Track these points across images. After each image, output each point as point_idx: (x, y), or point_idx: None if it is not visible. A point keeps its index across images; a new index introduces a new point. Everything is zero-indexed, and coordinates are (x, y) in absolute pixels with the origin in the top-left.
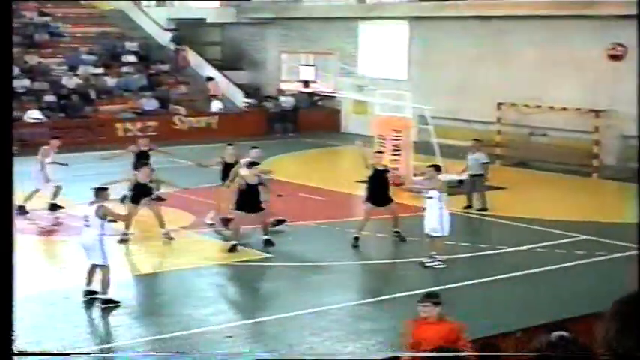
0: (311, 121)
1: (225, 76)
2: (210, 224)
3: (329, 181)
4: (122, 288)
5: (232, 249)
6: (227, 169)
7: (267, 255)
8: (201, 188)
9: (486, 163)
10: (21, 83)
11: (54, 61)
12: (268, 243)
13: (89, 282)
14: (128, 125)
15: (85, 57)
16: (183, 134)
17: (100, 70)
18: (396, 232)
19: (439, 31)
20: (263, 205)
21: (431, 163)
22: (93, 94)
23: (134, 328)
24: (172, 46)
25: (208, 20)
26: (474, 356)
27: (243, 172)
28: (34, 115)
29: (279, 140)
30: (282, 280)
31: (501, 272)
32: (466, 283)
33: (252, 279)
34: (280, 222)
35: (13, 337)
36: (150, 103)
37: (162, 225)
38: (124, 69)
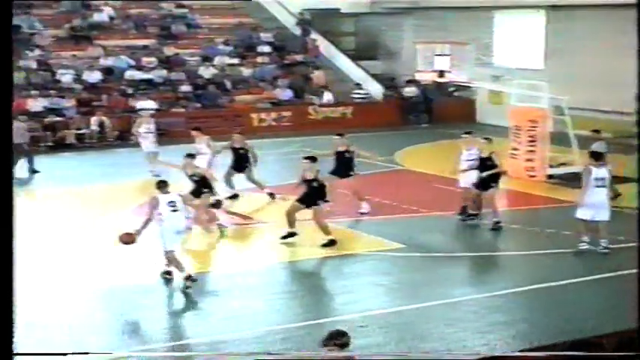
0: (446, 111)
1: (359, 66)
2: (363, 213)
3: None
4: (256, 276)
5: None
6: (340, 158)
7: (401, 245)
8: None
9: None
10: (158, 74)
11: (190, 52)
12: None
13: (182, 266)
14: (263, 115)
15: (220, 48)
16: (318, 124)
17: (235, 61)
18: (496, 222)
19: (576, 20)
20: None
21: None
22: (228, 85)
23: (269, 314)
24: (299, 33)
25: (343, 11)
26: None
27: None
28: (147, 105)
29: (414, 130)
30: (415, 270)
31: None
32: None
33: (386, 269)
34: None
35: (13, 338)
36: (285, 93)
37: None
38: (260, 59)
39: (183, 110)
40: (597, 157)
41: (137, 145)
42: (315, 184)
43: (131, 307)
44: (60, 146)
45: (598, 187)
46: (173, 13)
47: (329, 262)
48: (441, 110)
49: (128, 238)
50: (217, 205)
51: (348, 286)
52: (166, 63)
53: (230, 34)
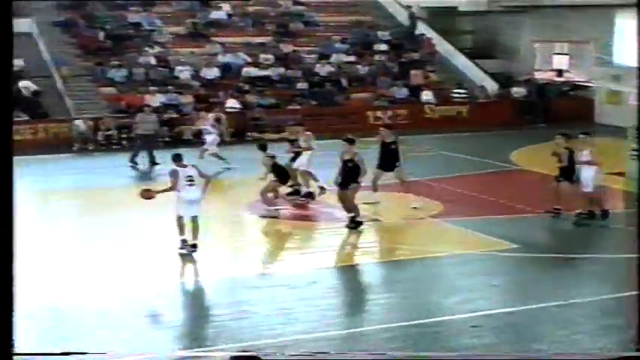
0: (562, 110)
1: (476, 64)
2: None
3: None
4: (368, 273)
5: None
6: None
7: (515, 245)
8: (448, 178)
9: None
10: (276, 71)
11: (307, 49)
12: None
13: (184, 232)
14: (379, 113)
15: (337, 45)
16: (433, 123)
17: (352, 59)
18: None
19: None
20: None
21: None
22: (344, 82)
23: (378, 314)
24: (412, 30)
25: (460, 9)
26: None
27: None
28: (230, 103)
29: (530, 130)
30: (529, 270)
31: None
32: None
33: (499, 268)
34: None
35: (12, 338)
36: (401, 92)
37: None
38: (376, 57)
39: (299, 107)
40: None
41: (252, 141)
42: (350, 164)
43: (229, 303)
44: (177, 142)
45: None
46: (291, 11)
47: (441, 261)
48: (558, 110)
49: (147, 195)
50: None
51: (460, 285)
52: (283, 60)
53: (347, 32)
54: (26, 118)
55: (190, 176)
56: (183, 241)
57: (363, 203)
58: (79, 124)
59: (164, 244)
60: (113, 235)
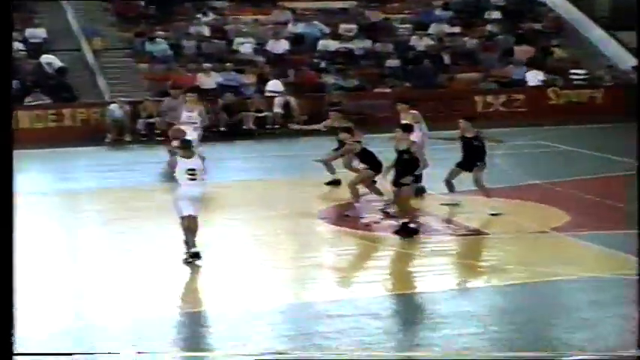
0: None
1: (614, 37)
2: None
3: None
4: (464, 301)
5: None
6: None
7: None
8: (574, 180)
9: None
10: (360, 44)
11: (400, 17)
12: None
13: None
14: (489, 98)
15: (438, 13)
16: (558, 110)
17: (456, 30)
18: None
19: None
20: None
21: None
22: (447, 59)
23: (482, 350)
24: None
25: None
26: None
27: None
28: (270, 87)
29: None
30: None
31: None
32: None
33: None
34: None
35: (12, 338)
36: (518, 72)
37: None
38: (488, 28)
39: (388, 90)
40: None
41: (329, 133)
42: (406, 156)
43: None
44: (235, 132)
45: None
46: None
47: (565, 286)
48: None
49: (179, 133)
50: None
51: (590, 318)
52: (370, 31)
53: None
54: (49, 101)
55: (193, 170)
56: (191, 254)
57: (442, 205)
58: (114, 109)
59: (216, 261)
60: (145, 249)
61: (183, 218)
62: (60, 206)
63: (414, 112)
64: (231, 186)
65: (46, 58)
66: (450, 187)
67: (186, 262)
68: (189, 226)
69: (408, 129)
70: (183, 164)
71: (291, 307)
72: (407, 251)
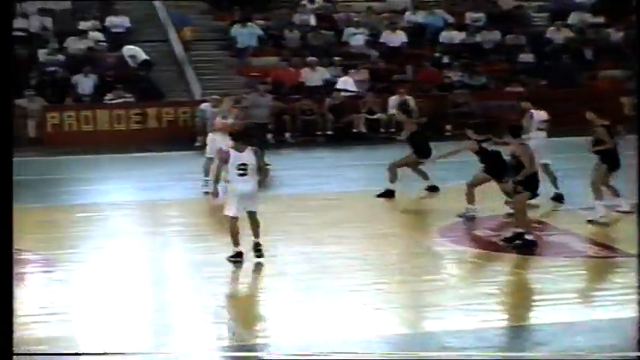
0: None
1: None
2: None
3: None
4: (607, 336)
5: None
6: None
7: None
8: None
9: None
10: (488, 37)
11: (536, 5)
12: None
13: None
14: None
15: (579, 0)
16: None
17: (600, 20)
18: None
19: None
20: None
21: None
22: (589, 54)
23: None
24: None
25: None
26: None
27: None
28: (341, 84)
29: None
30: None
31: None
32: None
33: None
34: None
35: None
36: None
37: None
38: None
39: (521, 89)
40: None
41: (456, 137)
42: (513, 161)
43: None
44: (345, 136)
45: None
46: None
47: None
48: None
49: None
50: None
51: None
52: (500, 21)
53: None
54: (131, 99)
55: (244, 165)
56: (238, 255)
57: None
58: (206, 108)
59: (319, 285)
60: (234, 269)
61: (233, 219)
62: (141, 218)
63: (540, 112)
64: (339, 198)
65: (128, 50)
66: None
67: (229, 260)
68: (234, 230)
69: (515, 132)
70: (234, 158)
71: (403, 337)
72: (535, 274)
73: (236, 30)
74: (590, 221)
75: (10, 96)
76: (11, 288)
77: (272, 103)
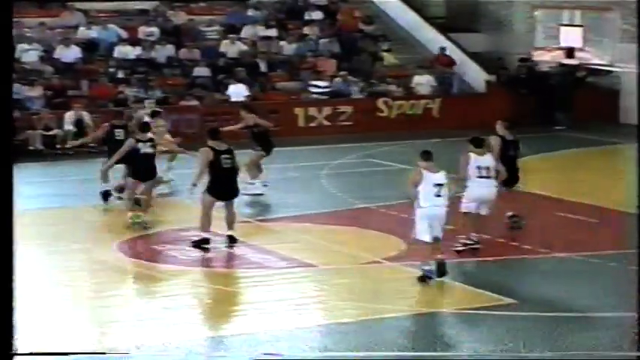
0: (580, 107)
1: (451, 40)
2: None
3: (600, 195)
4: (291, 340)
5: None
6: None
7: (510, 300)
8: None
9: None
10: (162, 52)
11: (207, 19)
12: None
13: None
14: (312, 111)
15: (250, 14)
16: (389, 124)
17: (272, 33)
18: None
19: None
20: None
21: None
22: (263, 67)
23: None
24: None
25: None
26: None
27: None
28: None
29: (536, 134)
30: (532, 335)
31: None
32: None
33: (492, 332)
34: None
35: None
36: (343, 81)
37: None
38: (307, 30)
39: (196, 103)
40: None
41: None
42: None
43: None
44: (20, 153)
45: None
46: None
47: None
48: (574, 105)
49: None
50: None
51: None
52: (173, 35)
53: None
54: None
55: (440, 185)
56: (429, 273)
57: None
58: None
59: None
60: None
61: (417, 241)
62: None
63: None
64: (19, 216)
65: None
66: None
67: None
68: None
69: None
70: (428, 178)
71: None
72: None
73: None
74: None
75: (10, 96)
76: (11, 288)
77: None
